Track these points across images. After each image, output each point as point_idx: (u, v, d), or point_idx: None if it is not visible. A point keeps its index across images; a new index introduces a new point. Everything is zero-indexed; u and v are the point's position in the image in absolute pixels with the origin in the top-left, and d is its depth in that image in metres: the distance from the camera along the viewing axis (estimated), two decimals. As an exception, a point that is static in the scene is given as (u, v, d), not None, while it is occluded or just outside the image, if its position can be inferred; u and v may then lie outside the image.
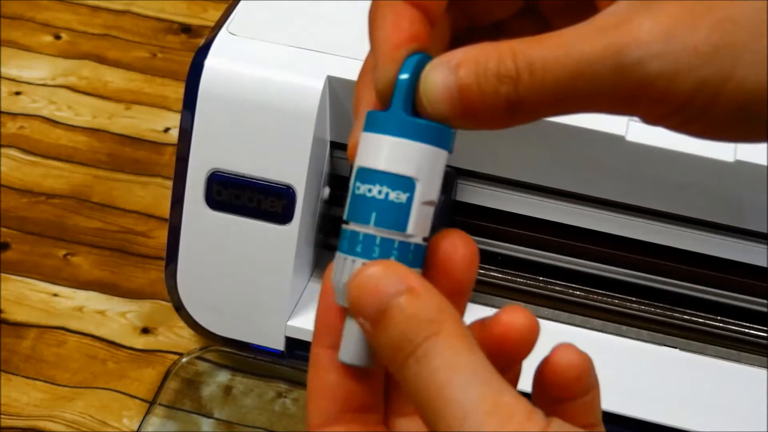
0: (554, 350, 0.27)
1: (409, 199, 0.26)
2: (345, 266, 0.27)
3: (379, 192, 0.26)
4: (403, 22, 0.27)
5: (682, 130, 0.25)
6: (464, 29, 0.31)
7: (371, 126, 0.27)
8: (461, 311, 0.27)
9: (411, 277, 0.25)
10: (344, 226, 0.27)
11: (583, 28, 0.25)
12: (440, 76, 0.25)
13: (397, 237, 0.26)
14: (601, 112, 0.25)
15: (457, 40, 0.30)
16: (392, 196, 0.26)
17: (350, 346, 0.27)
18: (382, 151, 0.26)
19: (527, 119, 0.26)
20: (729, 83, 0.24)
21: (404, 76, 0.26)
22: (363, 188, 0.27)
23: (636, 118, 0.26)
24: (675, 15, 0.24)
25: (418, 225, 0.27)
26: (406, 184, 0.26)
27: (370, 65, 0.28)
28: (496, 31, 0.30)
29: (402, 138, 0.26)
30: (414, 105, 0.27)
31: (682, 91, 0.24)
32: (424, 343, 0.24)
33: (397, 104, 0.27)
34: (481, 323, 0.27)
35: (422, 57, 0.27)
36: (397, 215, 0.26)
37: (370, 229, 0.26)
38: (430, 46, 0.27)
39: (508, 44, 0.25)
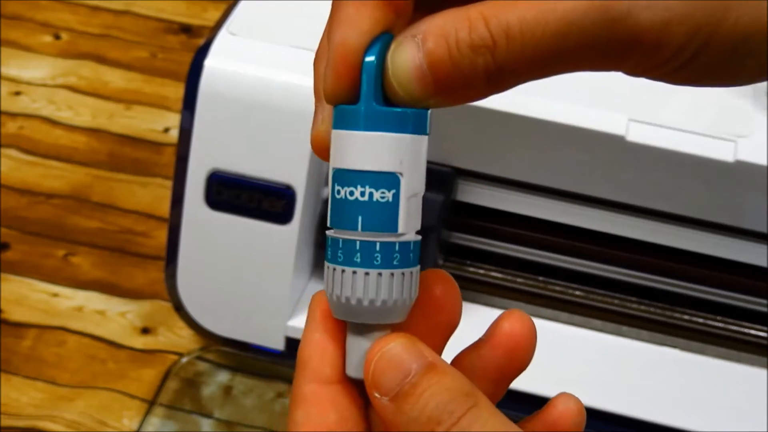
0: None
1: (396, 196, 0.24)
2: (342, 278, 0.25)
3: (362, 194, 0.24)
4: (368, 8, 0.24)
5: (669, 78, 0.24)
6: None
7: (342, 122, 0.24)
8: (501, 394, 0.27)
9: (430, 351, 0.24)
10: (329, 233, 0.25)
11: None
12: (407, 54, 0.23)
13: (388, 238, 0.24)
14: (587, 69, 0.24)
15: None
16: (377, 195, 0.24)
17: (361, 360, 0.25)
18: (359, 149, 0.24)
19: (507, 86, 0.24)
20: (722, 26, 0.23)
21: (370, 59, 0.24)
22: (344, 191, 0.25)
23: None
24: None
25: (408, 222, 0.25)
26: (390, 180, 0.24)
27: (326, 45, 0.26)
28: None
29: (377, 131, 0.24)
30: (384, 90, 0.24)
31: (675, 39, 0.23)
32: (468, 413, 0.23)
33: (367, 92, 0.24)
34: (476, 346, 0.26)
35: (387, 37, 0.24)
36: (386, 216, 0.24)
37: (359, 235, 0.25)
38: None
39: (476, 9, 0.23)
